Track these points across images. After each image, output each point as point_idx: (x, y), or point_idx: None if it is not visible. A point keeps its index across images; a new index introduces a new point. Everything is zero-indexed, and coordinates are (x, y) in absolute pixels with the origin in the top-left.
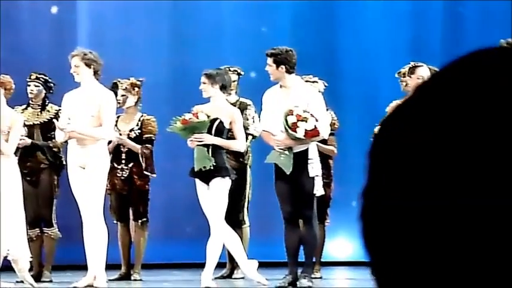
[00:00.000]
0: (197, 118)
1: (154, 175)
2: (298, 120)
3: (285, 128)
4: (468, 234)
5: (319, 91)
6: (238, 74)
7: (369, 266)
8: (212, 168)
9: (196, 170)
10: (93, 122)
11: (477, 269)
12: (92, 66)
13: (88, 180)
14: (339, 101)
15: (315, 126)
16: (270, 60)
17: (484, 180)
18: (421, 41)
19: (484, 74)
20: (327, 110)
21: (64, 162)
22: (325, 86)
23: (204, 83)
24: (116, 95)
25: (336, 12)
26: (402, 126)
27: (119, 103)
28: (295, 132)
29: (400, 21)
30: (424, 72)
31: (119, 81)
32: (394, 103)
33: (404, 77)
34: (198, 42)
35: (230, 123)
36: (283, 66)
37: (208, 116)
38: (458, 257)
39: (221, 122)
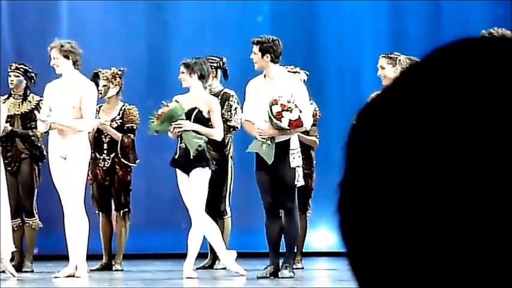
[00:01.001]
0: (168, 107)
1: (135, 164)
2: (282, 110)
3: (270, 118)
4: (447, 231)
5: (302, 80)
6: (222, 64)
7: (346, 257)
8: (195, 155)
9: (192, 154)
10: (74, 113)
11: (456, 266)
12: (70, 57)
13: (69, 170)
14: (320, 92)
15: (299, 116)
16: (255, 48)
17: (464, 176)
18: (402, 31)
19: (465, 64)
20: (310, 100)
21: (44, 152)
22: (307, 75)
23: (183, 73)
24: (97, 85)
25: (316, 2)
26: (378, 118)
27: (101, 93)
28: (280, 121)
29: (382, 10)
30: (382, 62)
31: (100, 71)
32: (375, 93)
33: None
34: (179, 31)
35: (208, 112)
36: (269, 55)
37: (177, 101)
38: (435, 251)
39: (200, 111)
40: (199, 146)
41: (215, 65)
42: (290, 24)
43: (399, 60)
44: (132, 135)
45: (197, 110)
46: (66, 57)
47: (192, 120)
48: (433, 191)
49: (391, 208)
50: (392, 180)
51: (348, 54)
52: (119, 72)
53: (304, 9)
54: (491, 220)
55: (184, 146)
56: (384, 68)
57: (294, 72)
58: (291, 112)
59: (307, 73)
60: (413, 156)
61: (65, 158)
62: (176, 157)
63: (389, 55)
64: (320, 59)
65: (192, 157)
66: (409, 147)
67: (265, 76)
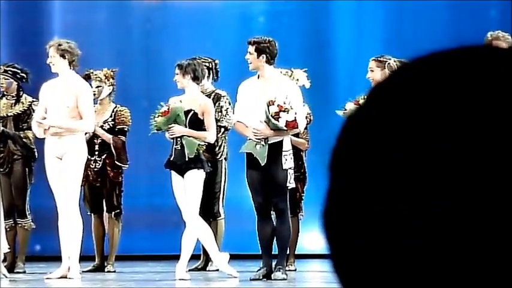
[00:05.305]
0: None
1: (126, 166)
2: (280, 111)
3: (267, 117)
4: (426, 237)
5: (297, 79)
6: (215, 66)
7: (330, 258)
8: (191, 157)
9: (190, 155)
10: (69, 113)
11: (435, 269)
12: (67, 57)
13: (65, 171)
14: (323, 93)
15: (295, 118)
16: (251, 48)
17: (441, 185)
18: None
19: (443, 77)
20: (303, 103)
21: (36, 154)
22: (305, 71)
23: (177, 74)
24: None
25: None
26: (359, 132)
27: (94, 94)
28: (278, 122)
29: (388, 12)
30: (371, 64)
31: (92, 72)
32: (360, 98)
33: None
34: (174, 31)
35: (202, 114)
36: (264, 56)
37: (180, 101)
38: (417, 259)
39: (195, 114)
40: (199, 145)
41: (207, 64)
42: (287, 25)
43: (388, 64)
44: (123, 137)
45: (192, 112)
46: (63, 56)
47: (187, 121)
48: (409, 201)
49: (369, 219)
50: (372, 193)
51: (351, 56)
52: (112, 73)
53: (301, 10)
54: (459, 223)
55: (179, 148)
56: (373, 71)
57: (286, 73)
58: (287, 113)
59: (306, 70)
60: (392, 169)
61: (61, 159)
62: (171, 159)
63: (378, 58)
64: (320, 61)
65: (187, 159)
66: (387, 161)
67: (258, 77)
